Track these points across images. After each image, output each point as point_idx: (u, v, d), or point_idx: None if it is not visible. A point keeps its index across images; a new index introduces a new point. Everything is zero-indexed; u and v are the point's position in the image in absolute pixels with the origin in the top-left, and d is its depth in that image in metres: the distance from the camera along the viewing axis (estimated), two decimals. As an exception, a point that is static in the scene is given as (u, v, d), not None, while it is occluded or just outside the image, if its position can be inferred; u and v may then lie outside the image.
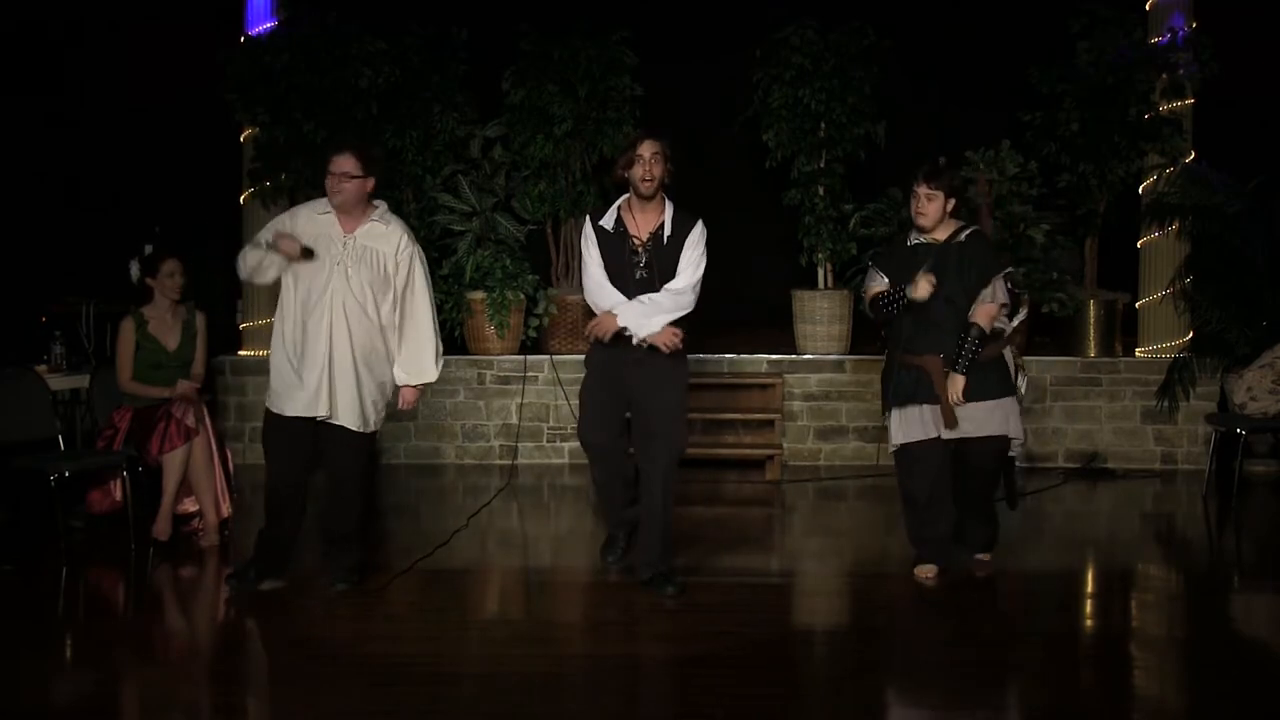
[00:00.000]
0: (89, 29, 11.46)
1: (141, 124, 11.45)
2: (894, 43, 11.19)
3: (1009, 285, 7.28)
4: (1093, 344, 11.20)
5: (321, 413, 6.84)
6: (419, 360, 7.11)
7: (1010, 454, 7.46)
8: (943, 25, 12.49)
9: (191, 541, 8.25)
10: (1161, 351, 11.16)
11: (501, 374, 11.17)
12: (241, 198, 11.58)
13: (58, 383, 9.05)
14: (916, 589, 7.29)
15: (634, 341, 6.91)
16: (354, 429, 6.92)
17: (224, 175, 11.67)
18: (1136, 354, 11.35)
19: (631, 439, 7.27)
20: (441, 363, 7.22)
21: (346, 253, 6.84)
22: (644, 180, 6.89)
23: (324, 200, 6.96)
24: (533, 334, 11.35)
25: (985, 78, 11.82)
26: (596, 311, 7.03)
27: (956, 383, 7.09)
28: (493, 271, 11.19)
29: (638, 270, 6.93)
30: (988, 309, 7.12)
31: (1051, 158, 11.12)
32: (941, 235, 7.25)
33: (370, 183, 6.88)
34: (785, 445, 10.81)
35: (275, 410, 6.95)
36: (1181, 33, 11.02)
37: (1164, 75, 11.01)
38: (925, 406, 7.18)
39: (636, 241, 6.97)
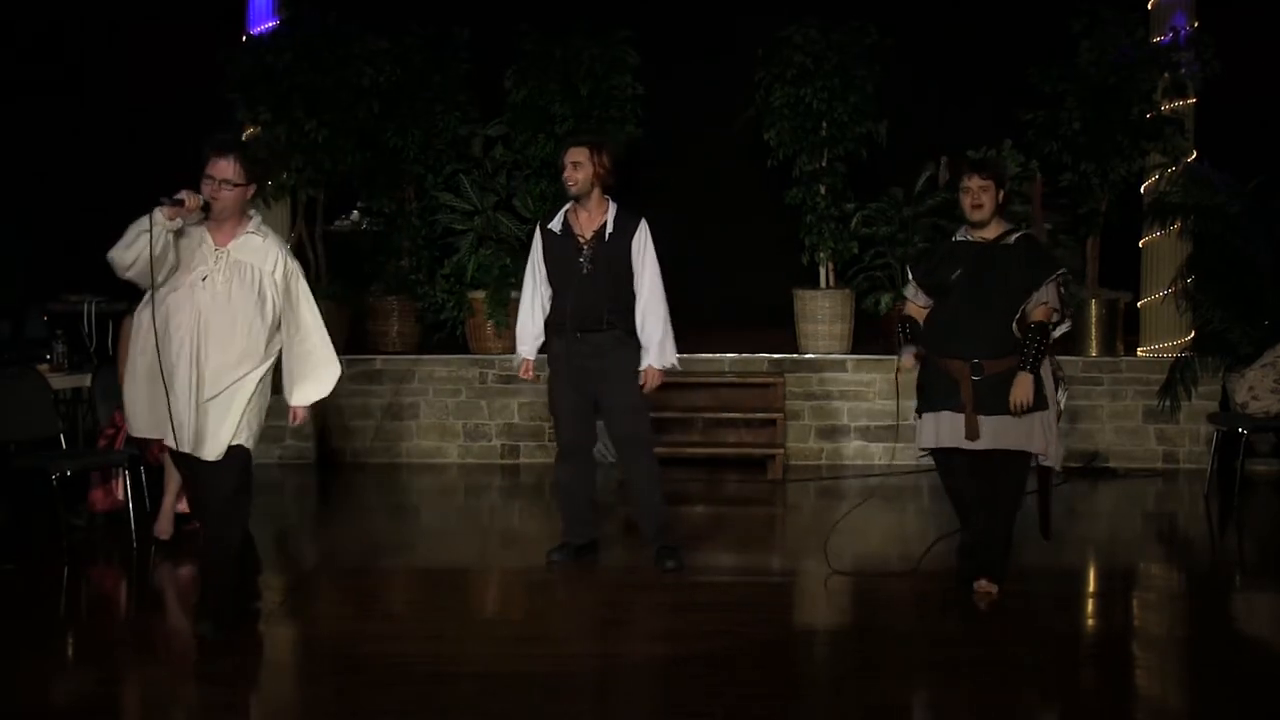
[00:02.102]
0: (90, 29, 11.45)
1: (144, 123, 11.44)
2: (895, 42, 11.18)
3: (1060, 290, 7.02)
4: (1094, 343, 11.18)
5: (186, 448, 6.09)
6: (310, 379, 6.37)
7: (1053, 477, 7.30)
8: (944, 24, 12.48)
9: (193, 540, 8.23)
10: (1163, 351, 11.15)
11: (503, 373, 11.16)
12: (244, 196, 11.58)
13: (59, 382, 9.04)
14: (918, 588, 7.27)
15: (649, 385, 7.59)
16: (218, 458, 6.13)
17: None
18: (1138, 353, 11.34)
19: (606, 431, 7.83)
20: (336, 376, 6.48)
21: (218, 267, 6.07)
22: (566, 182, 7.51)
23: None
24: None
25: (987, 77, 11.80)
26: (518, 326, 7.80)
27: (1025, 383, 6.75)
28: (494, 270, 11.19)
29: (583, 266, 7.45)
30: (1044, 310, 6.87)
31: (1053, 157, 11.10)
32: (990, 234, 7.00)
33: (250, 190, 6.16)
34: (787, 445, 10.80)
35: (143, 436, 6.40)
36: (1183, 32, 11.02)
37: (1166, 74, 11.00)
38: (949, 414, 6.92)
39: (581, 240, 7.50)
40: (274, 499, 9.70)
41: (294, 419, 6.46)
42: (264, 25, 11.44)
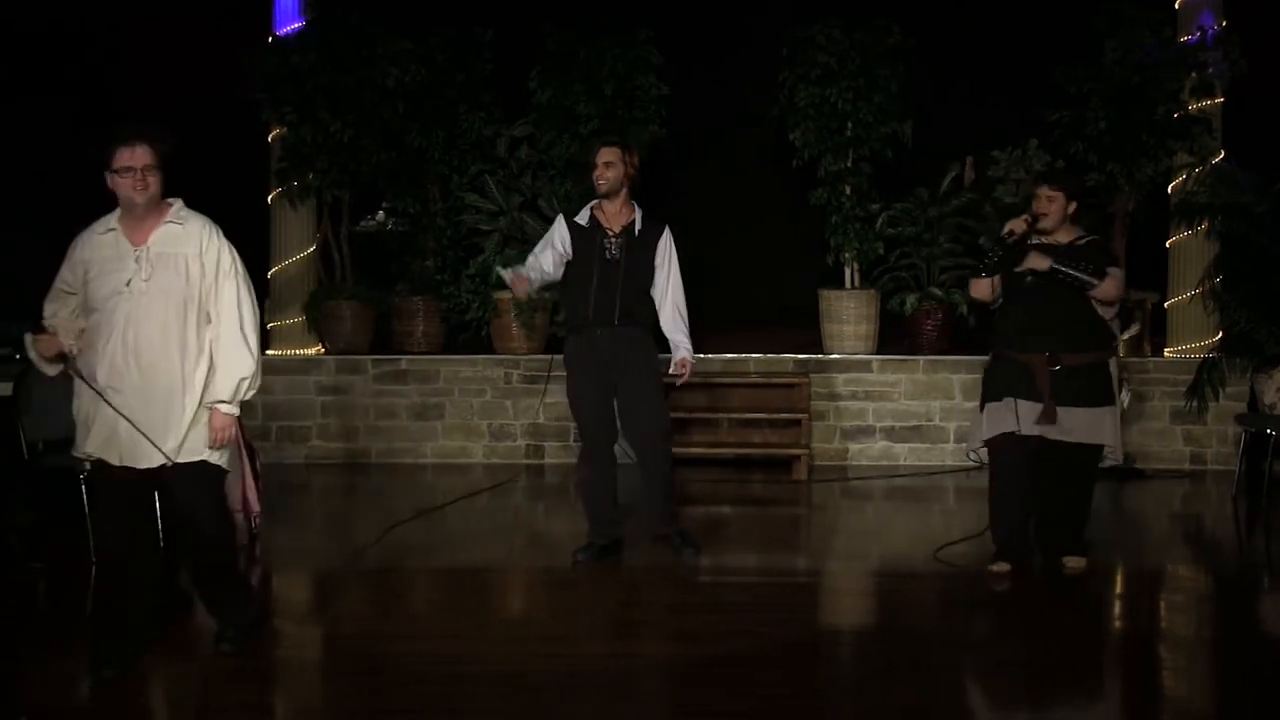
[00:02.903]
0: (117, 29, 11.49)
1: (169, 124, 11.47)
2: (920, 41, 11.15)
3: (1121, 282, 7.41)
4: (1122, 344, 11.11)
5: (122, 459, 5.64)
6: (218, 371, 5.79)
7: (1105, 463, 7.56)
8: (969, 23, 12.43)
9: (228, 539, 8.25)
10: (1190, 351, 11.09)
11: (528, 373, 11.17)
12: (269, 197, 11.62)
13: (87, 381, 9.05)
14: (941, 589, 7.27)
15: (684, 374, 7.74)
16: (185, 460, 5.71)
17: (251, 175, 11.70)
18: (1165, 354, 11.28)
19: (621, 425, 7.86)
20: (253, 383, 5.94)
21: (140, 268, 5.60)
22: (597, 180, 7.66)
23: (109, 216, 5.75)
24: (559, 334, 11.33)
25: (1012, 76, 11.74)
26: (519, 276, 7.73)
27: (1041, 256, 7.23)
28: (519, 271, 11.17)
29: (608, 253, 7.61)
30: (1113, 283, 7.28)
31: (1079, 157, 11.04)
32: (1063, 239, 7.38)
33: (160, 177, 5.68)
34: (812, 445, 10.77)
35: (98, 454, 5.74)
36: (1211, 31, 10.96)
37: (1193, 74, 10.95)
38: (1023, 402, 7.24)
39: (609, 232, 7.66)
40: (300, 499, 9.73)
41: (212, 435, 5.76)
42: (290, 26, 11.47)
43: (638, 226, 7.67)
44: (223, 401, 5.76)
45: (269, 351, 11.61)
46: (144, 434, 5.56)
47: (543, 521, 9.39)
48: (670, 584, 7.45)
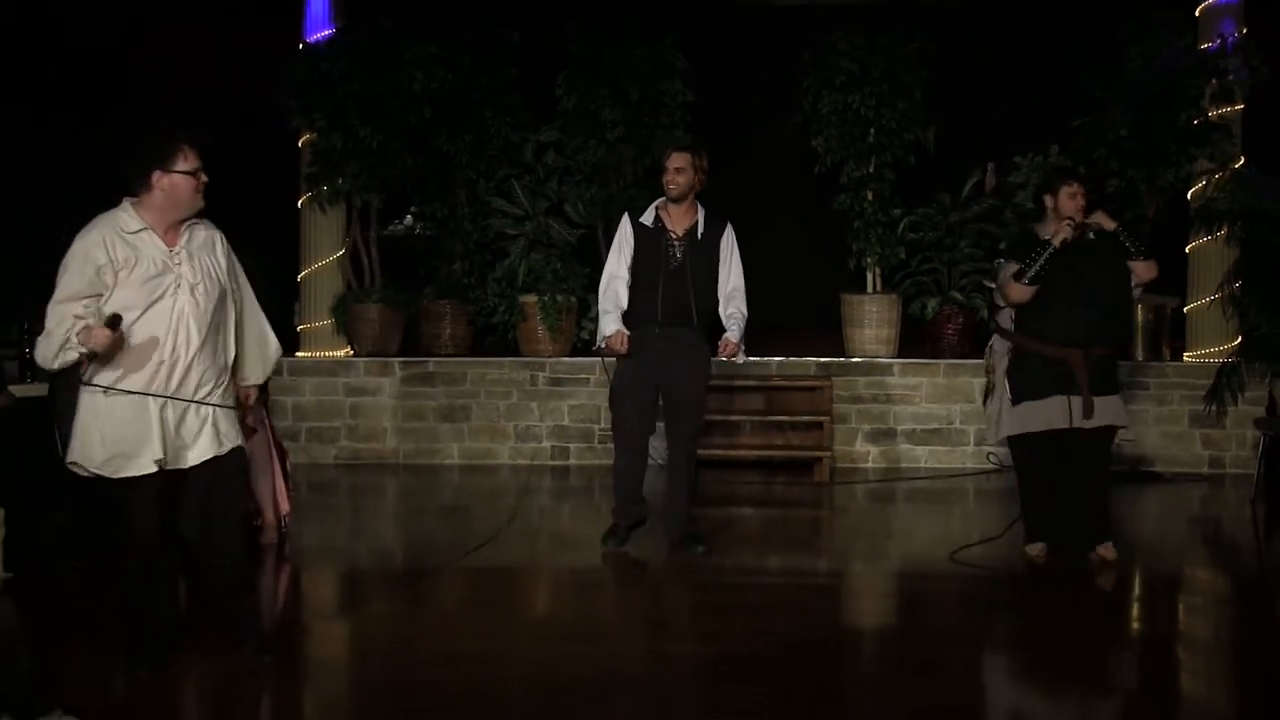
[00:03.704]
0: (149, 39, 11.55)
1: (202, 129, 11.53)
2: (942, 47, 11.16)
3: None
4: (1141, 348, 11.13)
5: (169, 465, 5.58)
6: (260, 357, 5.96)
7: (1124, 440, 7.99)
8: (991, 29, 12.43)
9: (251, 538, 8.31)
10: (1210, 356, 11.09)
11: (554, 376, 11.22)
12: (299, 201, 11.69)
13: (121, 382, 9.10)
14: (961, 590, 7.29)
15: (740, 360, 7.95)
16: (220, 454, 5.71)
17: (282, 180, 11.78)
18: (1185, 358, 11.28)
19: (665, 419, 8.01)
20: (276, 359, 6.11)
21: (180, 268, 5.58)
22: (668, 185, 7.75)
23: (122, 214, 5.63)
24: (584, 336, 11.38)
25: (1034, 82, 11.76)
26: (602, 299, 7.86)
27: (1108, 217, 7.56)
28: (545, 275, 11.24)
29: (673, 260, 7.72)
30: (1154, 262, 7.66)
31: (1100, 163, 11.06)
32: (1078, 232, 7.55)
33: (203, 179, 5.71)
34: (834, 447, 10.80)
35: (123, 473, 5.59)
36: (1231, 39, 10.96)
37: (1214, 81, 10.95)
38: (1059, 398, 7.40)
39: (673, 235, 7.76)
40: (329, 498, 9.79)
41: (245, 399, 5.90)
42: (320, 34, 11.54)
43: (700, 229, 7.80)
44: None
45: (298, 353, 11.69)
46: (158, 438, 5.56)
47: (569, 522, 9.43)
48: (693, 585, 7.47)
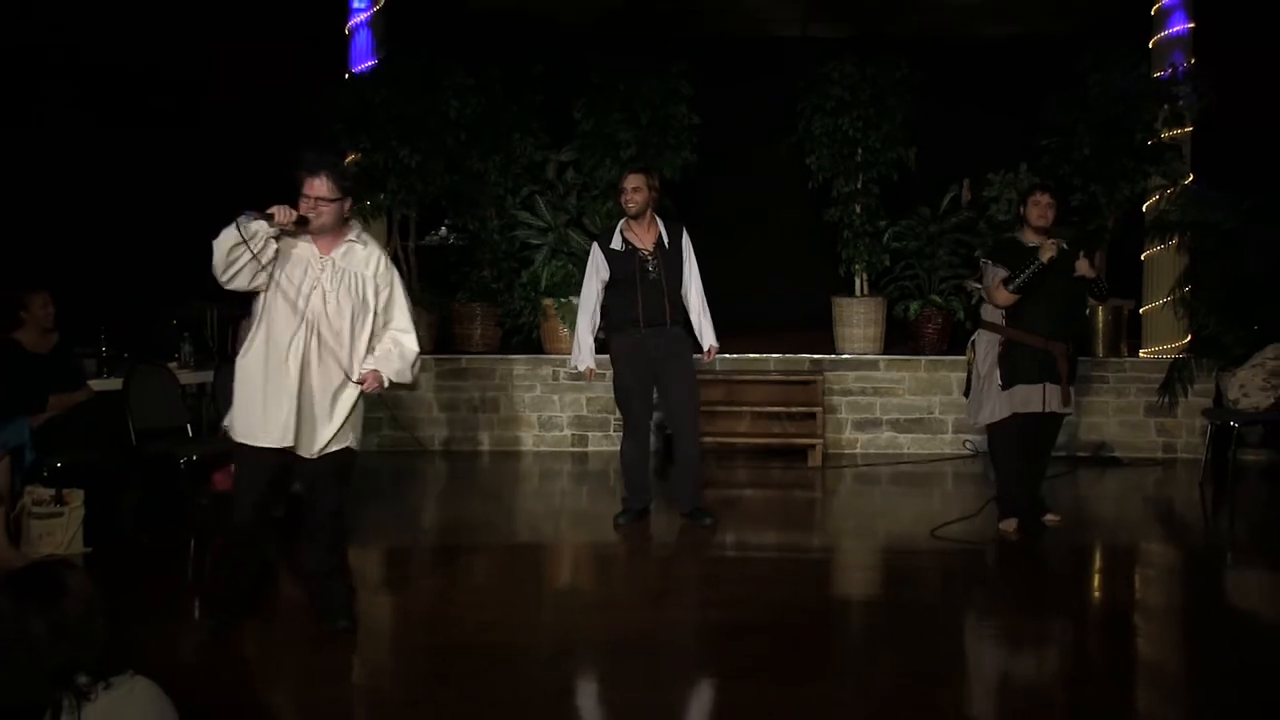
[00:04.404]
0: (216, 69, 11.58)
1: (258, 151, 11.54)
2: (923, 75, 11.14)
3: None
4: (1101, 346, 11.10)
5: (290, 442, 5.71)
6: (394, 361, 5.94)
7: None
8: (967, 61, 12.44)
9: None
10: (1163, 352, 11.05)
11: (573, 370, 11.18)
12: (345, 215, 11.68)
13: (186, 377, 9.15)
14: (941, 564, 7.28)
15: (710, 359, 8.24)
16: (334, 449, 5.85)
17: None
18: (1140, 355, 11.24)
19: (663, 410, 8.24)
20: (416, 371, 6.09)
21: (324, 275, 5.72)
22: (627, 203, 7.84)
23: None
24: (600, 335, 11.35)
25: (1005, 107, 11.75)
26: (578, 327, 8.09)
27: (1090, 265, 7.59)
28: (565, 280, 11.24)
29: (649, 274, 7.81)
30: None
31: (1065, 179, 11.02)
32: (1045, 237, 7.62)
33: (347, 203, 5.75)
34: (825, 435, 10.78)
35: (244, 441, 5.76)
36: (1181, 68, 10.93)
37: (1166, 106, 10.92)
38: (1041, 385, 7.52)
39: (645, 252, 7.85)
40: (372, 483, 9.78)
41: (362, 381, 5.84)
42: (364, 64, 11.55)
43: (666, 239, 7.88)
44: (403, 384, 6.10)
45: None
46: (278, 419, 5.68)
47: (586, 503, 9.43)
48: (699, 559, 7.48)
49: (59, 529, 7.21)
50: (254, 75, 11.30)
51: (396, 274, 5.96)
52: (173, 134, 11.49)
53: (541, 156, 11.69)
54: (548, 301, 11.29)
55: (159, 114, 11.49)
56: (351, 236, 5.81)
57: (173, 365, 9.15)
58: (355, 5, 11.64)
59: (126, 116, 11.30)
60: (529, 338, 11.62)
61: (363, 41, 11.64)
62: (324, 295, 5.70)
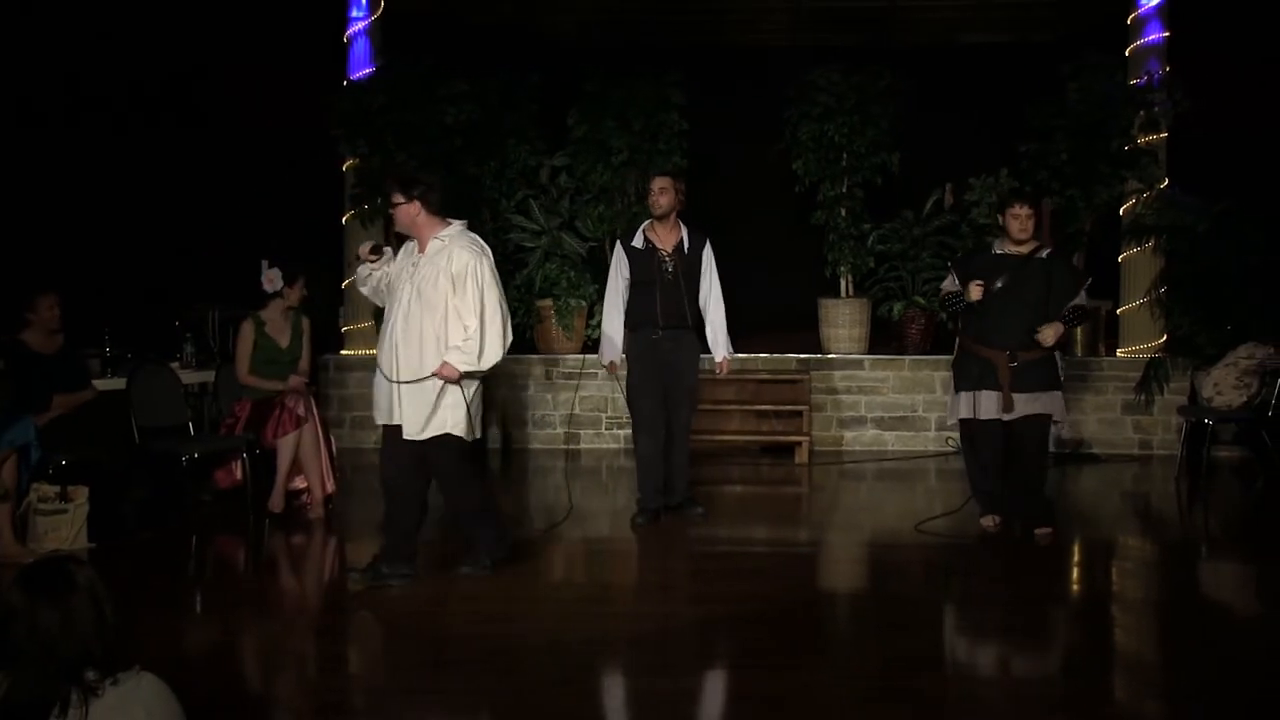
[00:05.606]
0: (217, 76, 11.55)
1: (259, 156, 11.54)
2: (906, 83, 11.17)
3: (1084, 294, 7.57)
4: (1080, 345, 11.13)
5: (396, 421, 6.26)
6: (463, 353, 6.19)
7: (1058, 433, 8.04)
8: (949, 69, 12.45)
9: (301, 514, 8.32)
10: (1139, 352, 11.09)
11: (566, 370, 11.22)
12: (344, 218, 11.67)
13: (188, 377, 9.13)
14: (924, 558, 7.29)
15: (723, 372, 8.25)
16: (421, 438, 6.29)
17: (329, 199, 11.76)
18: (1118, 354, 11.28)
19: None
20: (490, 358, 6.30)
21: (417, 271, 6.22)
22: (653, 204, 7.85)
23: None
24: (594, 336, 11.37)
25: (986, 114, 11.77)
26: (604, 321, 8.06)
27: (1057, 328, 7.26)
28: (559, 282, 11.24)
29: (666, 275, 7.80)
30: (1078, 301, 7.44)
31: (1044, 183, 11.06)
32: (1026, 250, 7.42)
33: (415, 206, 6.21)
34: (812, 433, 10.79)
35: (381, 422, 6.41)
36: (1157, 75, 10.96)
37: (1142, 112, 10.95)
38: (987, 392, 7.34)
39: (664, 253, 7.83)
40: (371, 479, 9.75)
41: (440, 370, 6.17)
42: (363, 71, 11.53)
43: (686, 244, 7.86)
44: (473, 371, 6.28)
45: (343, 351, 11.68)
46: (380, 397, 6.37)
47: (580, 498, 9.42)
48: (690, 554, 7.48)
49: (64, 525, 7.19)
50: (255, 81, 11.27)
51: (476, 272, 6.21)
52: (176, 138, 11.46)
53: (535, 162, 11.68)
54: (542, 303, 11.29)
55: (162, 118, 11.46)
56: (438, 235, 6.25)
57: (174, 365, 9.13)
58: (353, 14, 11.63)
59: (130, 121, 11.27)
60: (523, 338, 11.58)
61: (361, 49, 11.63)
62: (416, 291, 6.19)
